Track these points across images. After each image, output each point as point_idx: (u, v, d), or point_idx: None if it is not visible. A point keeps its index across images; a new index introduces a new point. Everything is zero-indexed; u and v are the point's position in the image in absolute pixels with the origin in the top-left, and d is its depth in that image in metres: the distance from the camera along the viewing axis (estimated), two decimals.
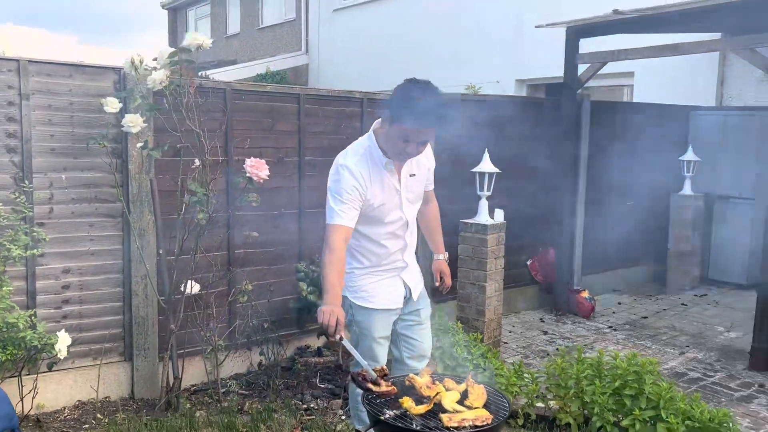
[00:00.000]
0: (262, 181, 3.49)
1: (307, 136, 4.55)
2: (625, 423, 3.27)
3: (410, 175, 2.71)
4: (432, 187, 2.97)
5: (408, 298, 2.85)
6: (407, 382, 2.34)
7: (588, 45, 5.86)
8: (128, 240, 3.81)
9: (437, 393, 2.22)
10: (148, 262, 3.81)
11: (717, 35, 7.24)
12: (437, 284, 3.11)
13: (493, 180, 4.63)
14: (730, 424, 3.13)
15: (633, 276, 7.15)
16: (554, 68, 6.68)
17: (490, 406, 2.22)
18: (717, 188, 7.06)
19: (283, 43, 16.05)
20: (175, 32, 22.24)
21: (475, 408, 2.18)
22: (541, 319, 5.86)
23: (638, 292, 6.84)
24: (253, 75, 13.53)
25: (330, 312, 2.33)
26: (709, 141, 7.06)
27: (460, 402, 2.23)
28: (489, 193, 4.64)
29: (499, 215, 4.72)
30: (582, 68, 5.81)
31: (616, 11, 5.02)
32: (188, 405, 3.83)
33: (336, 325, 2.32)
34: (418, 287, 2.89)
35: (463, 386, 2.33)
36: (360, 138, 2.73)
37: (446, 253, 3.14)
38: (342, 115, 4.73)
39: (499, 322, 4.80)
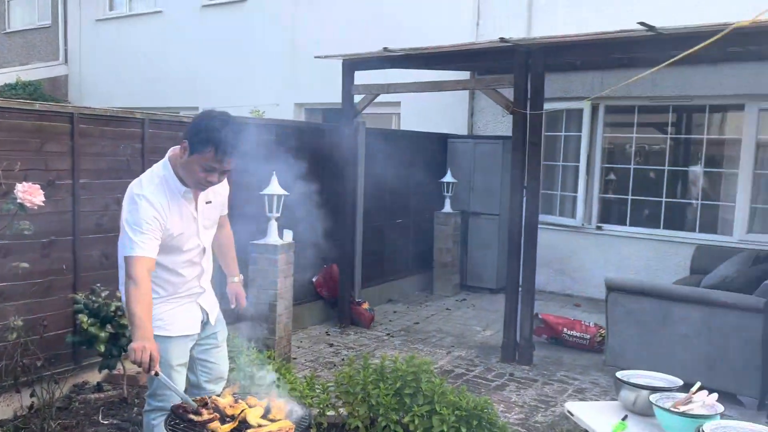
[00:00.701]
0: (36, 207, 3.23)
1: (82, 158, 4.28)
2: (406, 419, 3.65)
3: (206, 203, 2.74)
4: (226, 211, 3.02)
5: (205, 323, 2.88)
6: (211, 404, 2.40)
7: (363, 76, 6.38)
8: None
9: (242, 411, 2.33)
10: None
11: (467, 74, 8.36)
12: (233, 306, 3.18)
13: (282, 202, 4.82)
14: (490, 409, 3.68)
15: (406, 286, 7.85)
16: (331, 94, 7.14)
17: (292, 416, 2.39)
18: (471, 206, 8.09)
19: (37, 50, 14.48)
20: None
21: (278, 420, 2.33)
22: (327, 332, 6.17)
23: (411, 301, 7.53)
24: (0, 84, 12.02)
25: (142, 348, 2.28)
26: (464, 165, 8.09)
27: (264, 417, 2.36)
28: (278, 215, 4.82)
29: (288, 235, 4.92)
30: (358, 97, 6.30)
31: (386, 49, 5.58)
32: None
33: (150, 361, 2.29)
34: (214, 311, 2.93)
35: (264, 402, 2.46)
36: (154, 166, 2.68)
37: (240, 275, 3.23)
38: (122, 136, 4.53)
39: (289, 339, 4.98)
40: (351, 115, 6.24)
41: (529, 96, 5.18)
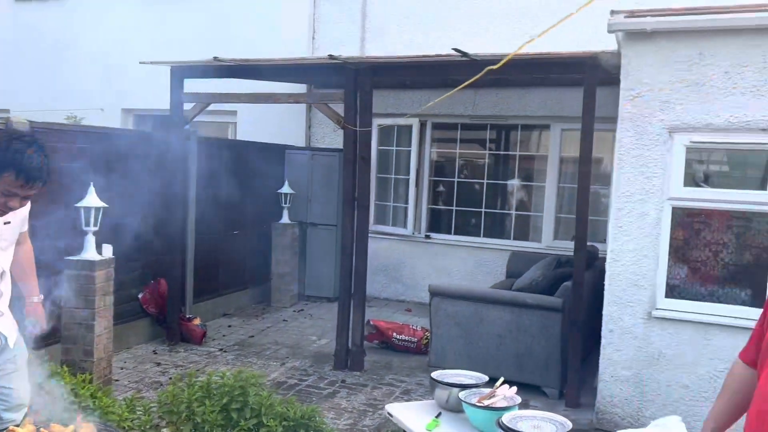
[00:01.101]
0: None
1: None
2: None
3: (5, 223, 2.56)
4: (26, 228, 2.83)
5: (3, 347, 2.67)
6: None
7: (195, 84, 6.22)
8: None
9: None
10: None
11: (304, 87, 8.47)
12: (32, 328, 2.96)
13: (101, 214, 4.56)
14: (317, 417, 3.77)
15: (243, 299, 7.74)
16: (161, 101, 6.86)
17: None
18: (309, 217, 8.18)
19: None
20: None
21: None
22: (154, 351, 5.90)
23: (247, 314, 7.44)
24: None
25: None
26: (302, 176, 8.16)
27: None
28: (96, 228, 4.54)
29: (108, 250, 4.66)
30: (189, 105, 6.13)
31: (216, 58, 5.50)
32: None
33: None
34: (13, 334, 2.72)
35: (71, 428, 2.33)
36: None
37: (41, 295, 3.02)
38: None
39: (110, 360, 4.71)
40: (181, 123, 6.05)
41: (358, 112, 5.39)
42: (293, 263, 7.94)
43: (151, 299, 6.12)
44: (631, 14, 4.16)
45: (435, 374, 3.44)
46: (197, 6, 8.94)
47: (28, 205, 2.72)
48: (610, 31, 4.24)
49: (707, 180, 4.42)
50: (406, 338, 6.10)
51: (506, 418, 2.84)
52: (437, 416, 3.20)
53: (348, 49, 8.14)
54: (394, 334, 6.13)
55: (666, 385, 4.23)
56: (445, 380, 3.34)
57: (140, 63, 6.19)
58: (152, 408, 3.81)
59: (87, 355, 4.49)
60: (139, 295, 6.06)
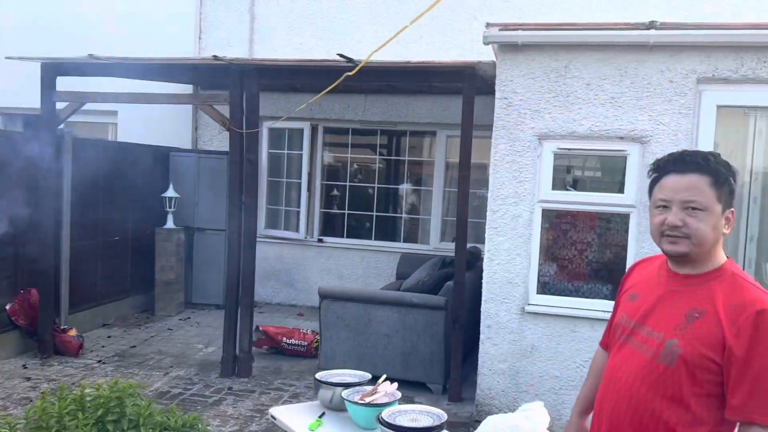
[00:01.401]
0: None
1: None
2: None
3: None
4: None
5: None
6: None
7: (71, 82, 5.88)
8: None
9: None
10: None
11: (190, 88, 8.25)
12: None
13: None
14: (200, 425, 3.69)
15: (124, 308, 7.39)
16: (33, 99, 6.42)
17: None
18: (196, 221, 7.96)
19: None
20: None
21: None
22: (24, 365, 5.51)
23: (129, 323, 7.11)
24: None
25: None
26: (188, 180, 7.93)
27: None
28: None
29: None
30: (63, 104, 5.79)
31: (91, 55, 5.24)
32: None
33: None
34: None
35: None
36: None
37: None
38: None
39: None
40: (53, 123, 5.70)
41: (244, 114, 5.33)
42: (179, 270, 7.69)
43: (21, 310, 5.71)
44: (505, 27, 4.42)
45: (319, 375, 3.47)
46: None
47: None
48: (485, 43, 4.48)
49: (574, 184, 4.77)
50: (297, 342, 6.08)
51: (385, 414, 2.93)
52: (321, 416, 3.24)
53: (236, 51, 8.02)
54: (284, 338, 6.10)
55: (539, 376, 4.51)
56: (329, 380, 3.39)
57: (6, 58, 5.77)
58: (18, 426, 3.57)
59: None
60: (7, 306, 5.64)
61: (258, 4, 8.31)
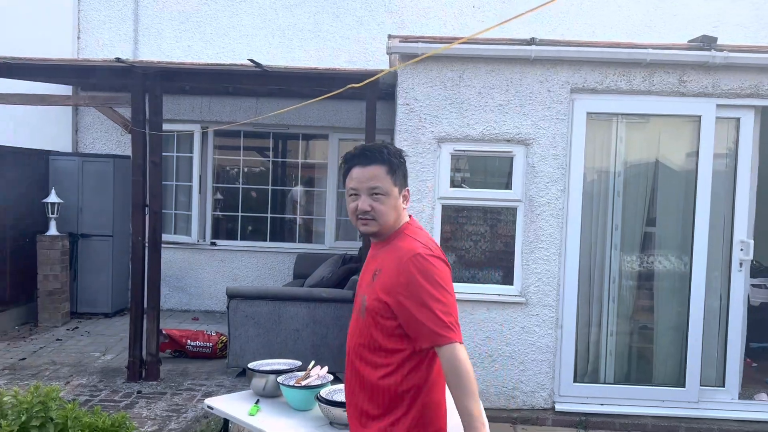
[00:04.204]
0: None
1: None
2: None
3: None
4: None
5: None
6: None
7: None
8: None
9: None
10: None
11: (68, 89, 7.90)
12: None
13: None
14: (128, 423, 3.71)
15: (4, 320, 6.94)
16: None
17: None
18: (81, 227, 7.63)
19: None
20: None
21: None
22: None
23: (12, 336, 6.70)
24: None
25: None
26: (70, 184, 7.59)
27: None
28: None
29: None
30: None
31: None
32: None
33: None
34: None
35: None
36: None
37: None
38: None
39: None
40: None
41: (147, 116, 5.30)
42: (63, 278, 7.34)
43: None
44: (405, 39, 4.82)
45: (251, 365, 3.65)
46: None
47: None
48: (388, 53, 4.86)
49: (468, 181, 5.28)
50: (201, 344, 6.10)
51: (324, 393, 3.20)
52: (256, 402, 3.42)
53: (119, 51, 7.80)
54: (188, 341, 6.09)
55: None
56: (262, 369, 3.58)
57: None
58: None
59: None
60: None
61: (143, 5, 8.14)
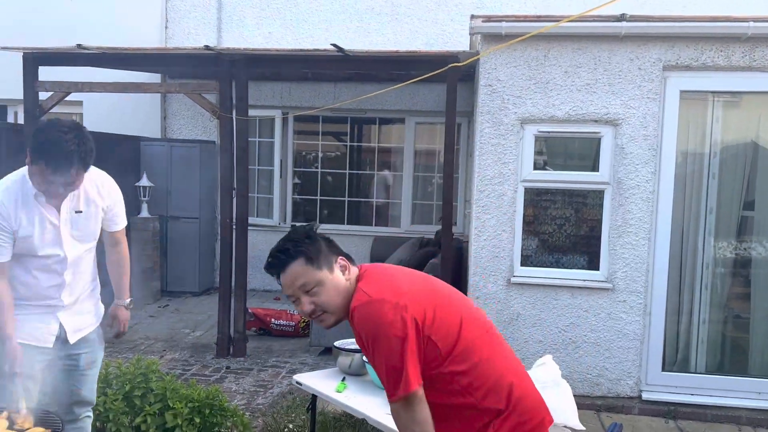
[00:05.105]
0: None
1: None
2: (138, 421, 3.63)
3: (76, 212, 2.57)
4: (118, 228, 2.85)
5: (63, 340, 2.67)
6: None
7: (45, 72, 5.85)
8: None
9: None
10: None
11: (157, 77, 8.24)
12: (110, 328, 3.02)
13: None
14: (220, 396, 3.89)
15: (102, 296, 7.37)
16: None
17: (44, 424, 2.31)
18: (170, 210, 8.00)
19: None
20: None
21: (29, 428, 2.23)
22: None
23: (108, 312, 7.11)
24: None
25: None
26: (160, 168, 7.95)
27: (10, 428, 2.23)
28: None
29: None
30: (43, 95, 5.76)
31: (80, 46, 5.26)
32: None
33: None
34: (79, 331, 2.76)
35: (5, 415, 2.31)
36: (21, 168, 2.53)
37: (130, 298, 3.04)
38: None
39: None
40: (36, 113, 5.68)
41: (234, 102, 5.47)
42: (155, 258, 7.73)
43: None
44: (488, 19, 4.74)
45: (337, 343, 3.74)
46: None
47: (110, 199, 2.76)
48: (471, 34, 4.80)
49: (549, 164, 5.16)
50: (285, 323, 6.29)
51: None
52: (342, 380, 3.51)
53: (204, 40, 8.06)
54: (273, 319, 6.29)
55: (524, 341, 4.89)
56: (347, 347, 3.66)
57: None
58: None
59: None
60: None
61: None
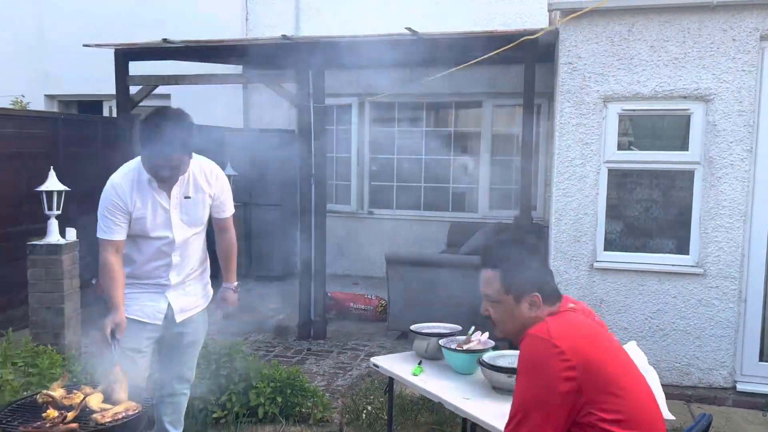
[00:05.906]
0: None
1: None
2: (223, 399, 3.80)
3: (185, 197, 2.76)
4: (226, 215, 3.01)
5: (170, 319, 2.86)
6: (41, 399, 2.34)
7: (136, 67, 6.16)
8: None
9: (83, 398, 2.32)
10: None
11: (239, 68, 8.47)
12: (219, 309, 3.21)
13: (63, 198, 4.53)
14: (301, 377, 4.01)
15: None
16: (87, 85, 6.68)
17: (137, 399, 2.44)
18: (253, 197, 8.26)
19: None
20: None
21: (123, 402, 2.37)
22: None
23: None
24: None
25: (109, 320, 2.58)
26: (243, 157, 8.20)
27: (106, 402, 2.38)
28: (59, 212, 4.52)
29: (72, 234, 4.64)
30: (132, 89, 6.07)
31: (165, 40, 5.50)
32: None
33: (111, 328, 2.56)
34: (186, 311, 2.92)
35: (101, 388, 2.46)
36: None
37: (237, 282, 3.21)
38: None
39: (79, 342, 4.71)
40: (128, 107, 5.99)
41: (311, 91, 5.56)
42: (240, 243, 7.98)
43: None
44: None
45: (413, 327, 3.75)
46: None
47: (218, 187, 2.92)
48: (549, 10, 4.64)
49: (634, 144, 4.94)
50: (363, 307, 6.38)
51: (487, 357, 3.20)
52: (419, 364, 3.51)
53: (283, 30, 8.20)
54: (351, 303, 6.40)
55: (608, 329, 4.73)
56: (423, 331, 3.66)
57: (84, 45, 6.06)
58: None
59: (57, 338, 4.49)
60: (93, 281, 5.99)
61: None
